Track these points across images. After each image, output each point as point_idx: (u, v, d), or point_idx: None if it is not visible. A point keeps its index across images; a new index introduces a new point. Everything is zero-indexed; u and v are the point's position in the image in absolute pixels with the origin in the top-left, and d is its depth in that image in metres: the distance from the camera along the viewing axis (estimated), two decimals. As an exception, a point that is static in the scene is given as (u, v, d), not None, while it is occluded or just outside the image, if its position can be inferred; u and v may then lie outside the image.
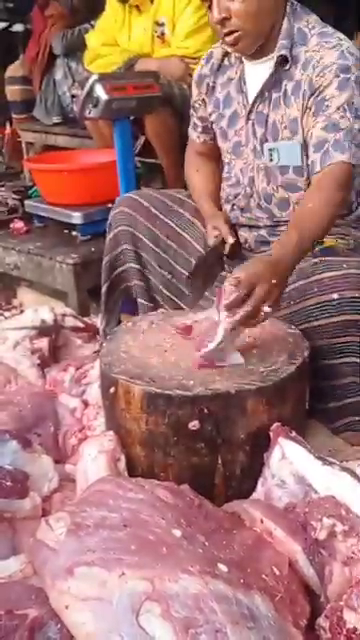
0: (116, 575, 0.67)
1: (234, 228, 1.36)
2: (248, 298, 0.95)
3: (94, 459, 0.99)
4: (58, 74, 3.20)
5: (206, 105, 1.36)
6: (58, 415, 1.24)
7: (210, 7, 1.13)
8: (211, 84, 1.32)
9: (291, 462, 0.91)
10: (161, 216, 1.42)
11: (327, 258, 1.15)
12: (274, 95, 1.21)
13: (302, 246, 1.06)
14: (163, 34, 2.13)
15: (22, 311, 1.86)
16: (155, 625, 0.64)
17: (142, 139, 2.18)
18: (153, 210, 1.42)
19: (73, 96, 2.97)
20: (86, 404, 1.28)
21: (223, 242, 1.32)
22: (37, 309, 1.64)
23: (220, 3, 1.10)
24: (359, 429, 1.18)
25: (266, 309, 0.97)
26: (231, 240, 1.30)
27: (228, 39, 1.15)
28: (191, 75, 2.10)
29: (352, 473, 0.87)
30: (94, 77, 1.76)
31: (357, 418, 1.18)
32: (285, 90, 1.19)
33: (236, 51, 1.20)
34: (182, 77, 2.08)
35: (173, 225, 1.42)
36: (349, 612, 0.70)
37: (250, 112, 1.24)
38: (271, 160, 1.23)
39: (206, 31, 2.05)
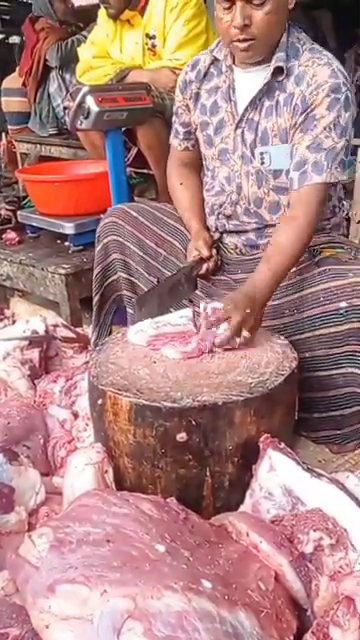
0: (98, 593, 0.66)
1: (221, 236, 1.37)
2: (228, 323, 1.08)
3: (81, 471, 0.98)
4: (52, 86, 3.23)
5: (190, 110, 1.37)
6: (48, 427, 1.23)
7: (229, 8, 1.13)
8: (195, 90, 1.34)
9: (279, 474, 0.90)
10: (149, 224, 1.43)
11: (332, 267, 1.17)
12: (266, 103, 1.23)
13: (275, 279, 1.16)
14: (154, 46, 2.15)
15: (14, 321, 1.85)
16: (137, 644, 0.63)
17: (134, 150, 2.19)
18: (141, 219, 1.43)
19: (65, 108, 2.99)
20: (76, 415, 1.27)
21: (201, 261, 1.34)
22: (29, 319, 1.64)
23: (244, 10, 1.11)
24: (339, 442, 1.18)
25: (245, 334, 1.09)
26: (211, 264, 1.34)
27: (242, 45, 1.16)
28: (182, 86, 2.14)
29: (340, 485, 0.86)
30: (85, 89, 1.78)
31: (338, 432, 1.18)
32: (277, 100, 1.22)
33: (244, 58, 1.21)
34: (173, 88, 2.09)
35: (161, 232, 1.43)
36: (335, 629, 0.68)
37: (241, 120, 1.25)
38: (262, 163, 1.25)
39: (196, 43, 2.08)
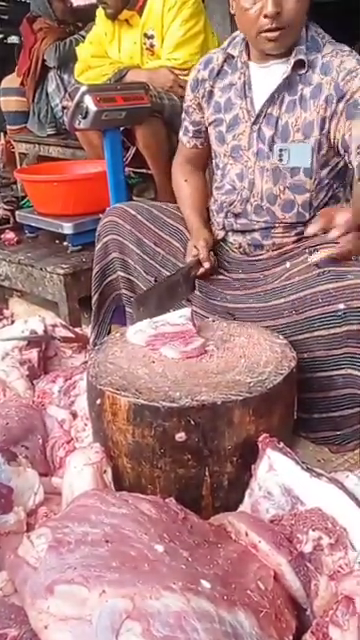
0: (96, 593, 0.66)
1: (226, 234, 1.36)
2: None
3: (80, 472, 0.98)
4: (50, 86, 3.23)
5: (201, 109, 1.37)
6: (46, 427, 1.23)
7: None
8: (209, 88, 1.33)
9: (278, 474, 0.90)
10: (148, 223, 1.43)
11: (331, 268, 1.16)
12: (287, 98, 1.22)
13: None
14: (152, 46, 2.15)
15: (13, 322, 1.85)
16: (136, 644, 0.63)
17: (133, 149, 2.20)
18: (139, 217, 1.43)
19: (64, 107, 2.99)
20: (75, 415, 1.27)
21: (199, 263, 1.33)
22: (27, 320, 1.64)
23: None
24: (339, 443, 1.18)
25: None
26: (207, 265, 1.32)
27: (271, 35, 1.15)
28: (180, 86, 2.14)
29: (339, 485, 0.86)
30: (83, 88, 1.78)
31: (338, 432, 1.18)
32: (302, 94, 1.20)
33: (271, 50, 1.19)
34: (171, 88, 2.10)
35: (160, 232, 1.43)
36: (334, 628, 0.68)
37: (259, 115, 1.24)
38: (280, 160, 1.23)
39: (194, 43, 2.08)
